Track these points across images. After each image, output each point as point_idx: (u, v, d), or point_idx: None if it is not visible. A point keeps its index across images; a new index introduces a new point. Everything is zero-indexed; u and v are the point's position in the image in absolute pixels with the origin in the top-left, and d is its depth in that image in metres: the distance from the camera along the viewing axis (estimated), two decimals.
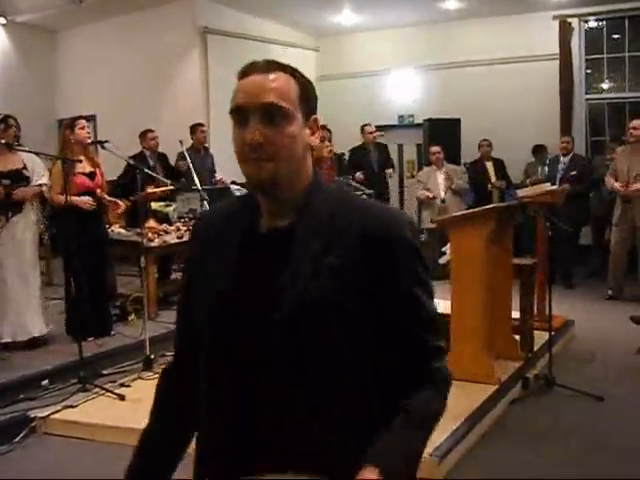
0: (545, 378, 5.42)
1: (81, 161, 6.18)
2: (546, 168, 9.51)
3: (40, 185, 6.10)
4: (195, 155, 8.31)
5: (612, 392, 5.35)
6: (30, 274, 6.12)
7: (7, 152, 5.99)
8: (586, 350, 6.58)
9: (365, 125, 10.44)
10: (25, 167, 6.03)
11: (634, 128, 8.11)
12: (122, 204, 6.59)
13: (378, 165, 10.14)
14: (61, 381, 5.42)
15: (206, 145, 9.15)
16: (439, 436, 4.35)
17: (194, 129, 9.06)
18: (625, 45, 10.57)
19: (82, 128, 6.24)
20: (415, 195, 10.43)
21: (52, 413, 4.93)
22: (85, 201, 6.19)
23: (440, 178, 9.79)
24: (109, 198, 6.51)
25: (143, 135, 8.59)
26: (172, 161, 8.87)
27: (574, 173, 8.85)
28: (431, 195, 9.72)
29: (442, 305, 5.67)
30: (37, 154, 6.22)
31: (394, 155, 11.94)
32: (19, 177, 6.00)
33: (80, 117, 6.45)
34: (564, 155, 9.44)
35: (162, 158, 8.68)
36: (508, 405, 5.17)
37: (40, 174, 6.12)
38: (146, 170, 6.19)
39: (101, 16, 11.29)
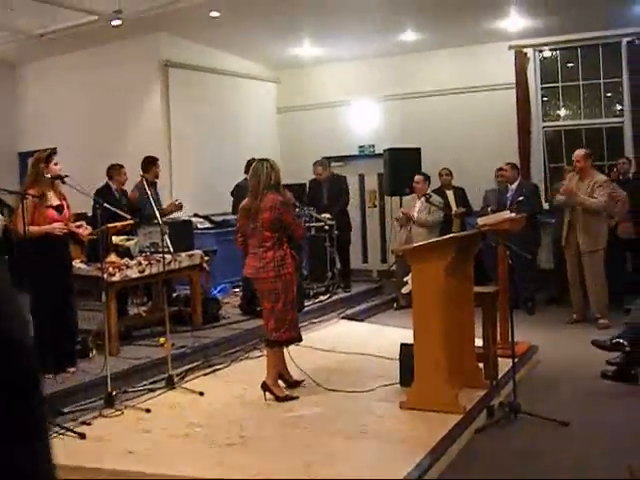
0: (510, 405, 5.42)
1: (44, 196, 6.13)
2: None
3: None
4: (151, 189, 8.26)
5: (577, 417, 5.37)
6: None
7: None
8: (550, 375, 6.62)
9: (314, 163, 10.51)
10: None
11: (577, 160, 8.53)
12: (88, 228, 6.53)
13: (328, 198, 10.17)
14: None
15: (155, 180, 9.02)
16: (405, 467, 4.35)
17: (154, 163, 8.92)
18: (579, 73, 10.77)
19: (56, 164, 6.23)
20: (395, 217, 10.42)
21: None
22: (55, 227, 6.16)
23: (416, 207, 9.81)
24: (76, 224, 6.46)
25: (115, 169, 8.44)
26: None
27: (521, 198, 9.00)
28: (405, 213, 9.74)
29: (406, 335, 5.70)
30: (7, 192, 6.15)
31: (355, 185, 12.02)
32: None
33: (51, 151, 6.41)
34: (510, 183, 9.64)
35: (125, 194, 8.59)
36: (474, 434, 5.15)
37: None
38: (106, 205, 6.12)
39: (62, 50, 11.26)
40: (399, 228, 10.10)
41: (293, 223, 5.89)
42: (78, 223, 6.51)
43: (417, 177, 10.03)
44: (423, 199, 9.85)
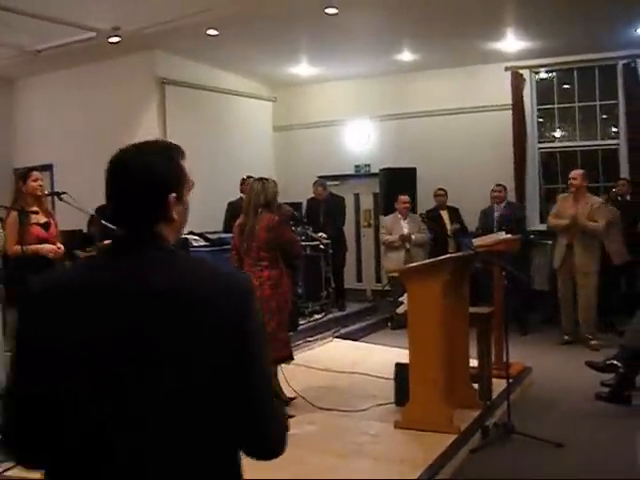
0: (504, 426, 5.43)
1: (37, 212, 6.13)
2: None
3: None
4: None
5: (571, 438, 5.38)
6: None
7: None
8: (544, 396, 6.63)
9: (314, 183, 10.57)
10: None
11: (573, 178, 8.54)
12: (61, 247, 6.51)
13: (325, 217, 10.22)
14: None
15: None
16: None
17: None
18: (575, 95, 10.84)
19: (35, 180, 6.20)
20: (382, 241, 10.49)
21: (5, 470, 4.79)
22: (49, 249, 6.17)
23: (405, 227, 9.92)
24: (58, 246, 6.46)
25: None
26: None
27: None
28: (401, 237, 9.79)
29: (401, 355, 5.70)
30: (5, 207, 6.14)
31: (350, 205, 12.04)
32: None
33: (34, 168, 6.42)
34: (497, 203, 9.73)
35: None
36: (468, 454, 5.15)
37: None
38: (103, 222, 6.12)
39: (59, 66, 11.29)
40: (386, 250, 10.17)
41: (292, 240, 5.89)
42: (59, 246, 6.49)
43: (403, 197, 10.12)
44: (412, 218, 9.95)
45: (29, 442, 1.67)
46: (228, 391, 1.63)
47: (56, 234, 6.41)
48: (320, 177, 10.76)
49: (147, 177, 1.75)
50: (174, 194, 1.77)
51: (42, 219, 6.25)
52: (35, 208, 6.15)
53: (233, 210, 9.19)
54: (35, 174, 6.26)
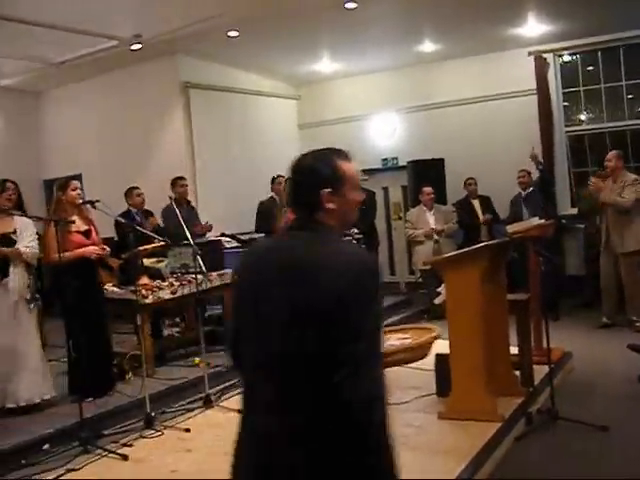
0: (548, 412, 5.42)
1: (74, 221, 6.21)
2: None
3: (16, 248, 6.00)
4: (179, 209, 8.32)
5: (616, 421, 5.35)
6: (26, 341, 6.04)
7: (6, 217, 6.04)
8: (586, 381, 6.60)
9: None
10: (15, 232, 6.00)
11: (608, 160, 8.62)
12: (107, 249, 6.60)
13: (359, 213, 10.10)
14: (62, 444, 5.36)
15: (188, 199, 9.10)
16: (448, 478, 4.34)
17: (175, 183, 9.03)
18: (600, 77, 10.73)
19: (74, 189, 6.31)
20: (406, 235, 10.48)
21: (55, 478, 4.87)
22: (91, 250, 6.28)
23: (431, 219, 9.91)
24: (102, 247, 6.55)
25: (129, 192, 8.56)
26: (157, 217, 8.85)
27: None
28: (425, 232, 9.77)
29: (440, 345, 5.68)
30: (31, 217, 6.21)
31: (380, 198, 12.04)
32: (7, 241, 5.96)
33: (72, 178, 6.50)
34: (524, 189, 9.82)
35: (147, 215, 8.65)
36: (513, 442, 5.14)
37: (24, 237, 6.05)
38: (137, 227, 6.19)
39: (83, 76, 11.40)
40: (413, 244, 10.16)
41: None
42: (101, 246, 6.58)
43: (427, 189, 10.11)
44: (437, 209, 9.94)
45: (236, 355, 2.36)
46: (333, 344, 2.02)
47: (97, 241, 6.50)
48: None
49: (306, 177, 2.30)
50: (328, 189, 2.24)
51: (83, 227, 6.35)
52: (73, 217, 6.24)
53: (264, 209, 9.21)
54: (74, 183, 6.36)
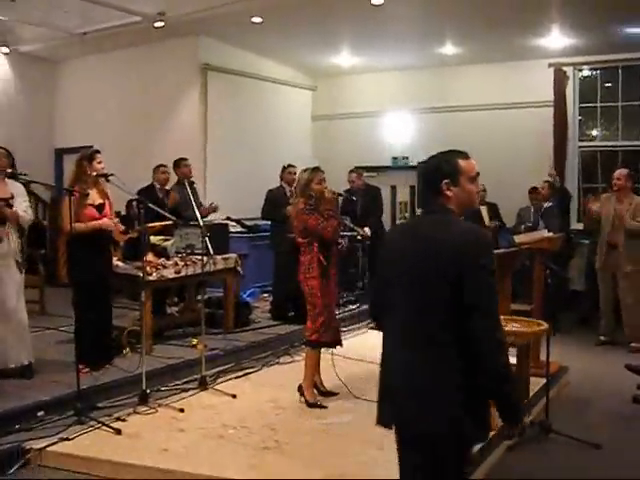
0: (541, 425, 5.42)
1: (87, 194, 6.22)
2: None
3: (15, 211, 6.01)
4: (181, 189, 8.33)
5: (609, 440, 5.35)
6: (17, 301, 6.04)
7: (1, 182, 6.01)
8: (581, 396, 6.61)
9: (350, 170, 10.51)
10: (12, 197, 6.00)
11: (617, 178, 8.45)
12: (120, 226, 6.61)
13: (362, 209, 10.07)
14: (57, 412, 5.37)
15: (192, 179, 9.11)
16: None
17: (178, 164, 9.03)
18: (618, 94, 10.73)
19: (100, 162, 6.30)
20: None
21: (48, 445, 4.88)
22: (107, 223, 6.31)
23: None
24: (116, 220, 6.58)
25: (156, 169, 8.62)
26: None
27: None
28: None
29: None
30: (45, 185, 6.23)
31: (387, 197, 12.01)
32: (6, 207, 5.96)
33: (93, 150, 6.49)
34: (543, 201, 9.82)
35: (169, 194, 8.67)
36: (504, 452, 5.15)
37: (19, 202, 6.06)
38: (150, 204, 6.18)
39: (102, 49, 11.43)
40: None
41: (315, 227, 5.89)
42: (115, 219, 6.60)
43: None
44: None
45: (378, 308, 3.16)
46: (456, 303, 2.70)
47: (110, 215, 6.50)
48: (357, 168, 10.71)
49: (432, 171, 3.01)
50: (447, 180, 2.92)
51: (97, 200, 6.35)
52: (92, 189, 6.28)
53: (272, 197, 9.19)
54: (100, 156, 6.34)
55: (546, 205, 9.74)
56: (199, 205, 8.76)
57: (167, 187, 8.75)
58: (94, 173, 6.24)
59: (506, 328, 5.23)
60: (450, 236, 2.79)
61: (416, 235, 2.95)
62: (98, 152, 6.41)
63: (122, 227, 6.66)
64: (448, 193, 2.92)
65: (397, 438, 2.98)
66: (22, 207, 6.07)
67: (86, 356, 5.83)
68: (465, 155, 3.00)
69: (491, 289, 2.75)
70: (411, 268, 2.86)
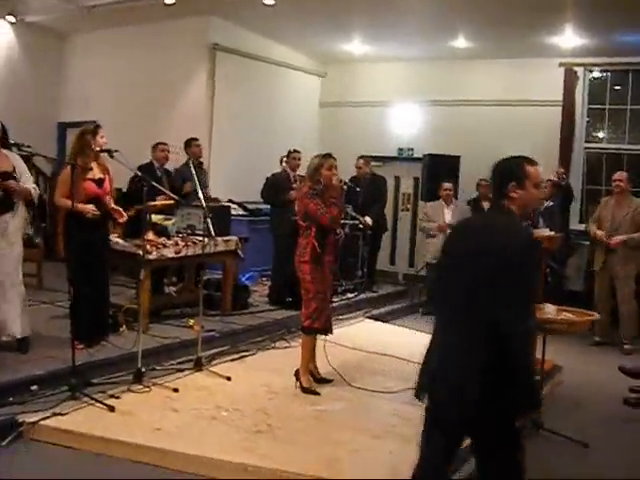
0: (533, 422, 5.43)
1: (91, 168, 6.19)
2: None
3: (28, 188, 5.99)
4: (190, 169, 8.29)
5: (598, 440, 5.37)
6: (17, 274, 6.03)
7: None
8: (573, 396, 6.62)
9: (358, 157, 10.48)
10: (14, 170, 5.96)
11: (619, 180, 8.46)
12: (125, 214, 6.57)
13: (365, 198, 10.02)
14: (51, 387, 5.37)
15: (201, 160, 9.08)
16: None
17: (189, 143, 9.00)
18: (627, 97, 10.70)
19: (102, 136, 6.27)
20: (419, 227, 10.46)
21: (41, 419, 4.88)
22: (89, 209, 6.18)
23: (448, 215, 9.87)
24: (115, 207, 6.50)
25: (155, 146, 8.56)
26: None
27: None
28: (439, 226, 9.74)
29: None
30: (47, 158, 6.19)
31: (390, 187, 12.02)
32: (10, 179, 5.89)
33: (80, 124, 6.45)
34: (545, 200, 9.66)
35: (167, 173, 8.63)
36: None
37: (27, 178, 6.05)
38: (153, 183, 6.16)
39: (111, 24, 11.34)
40: (427, 236, 10.13)
41: (313, 212, 5.89)
42: (117, 208, 6.53)
43: (447, 184, 10.08)
44: (456, 205, 9.93)
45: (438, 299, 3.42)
46: (499, 291, 2.97)
47: (110, 190, 6.47)
48: (363, 156, 10.70)
49: (500, 173, 3.28)
50: (513, 183, 3.16)
51: (98, 175, 6.31)
52: (93, 163, 6.24)
53: (274, 181, 9.17)
54: (102, 130, 6.31)
55: (547, 204, 9.72)
56: (205, 186, 8.79)
57: (176, 166, 8.72)
58: (98, 148, 6.19)
59: (558, 317, 5.56)
60: (506, 235, 3.07)
61: (476, 230, 3.28)
62: (100, 127, 6.39)
63: (120, 219, 6.59)
64: (513, 195, 3.16)
65: (426, 414, 3.25)
66: (30, 183, 6.06)
67: (81, 332, 5.80)
68: (533, 162, 3.25)
69: (532, 287, 3.13)
70: (466, 261, 3.12)
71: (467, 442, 3.33)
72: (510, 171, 3.21)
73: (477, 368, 2.99)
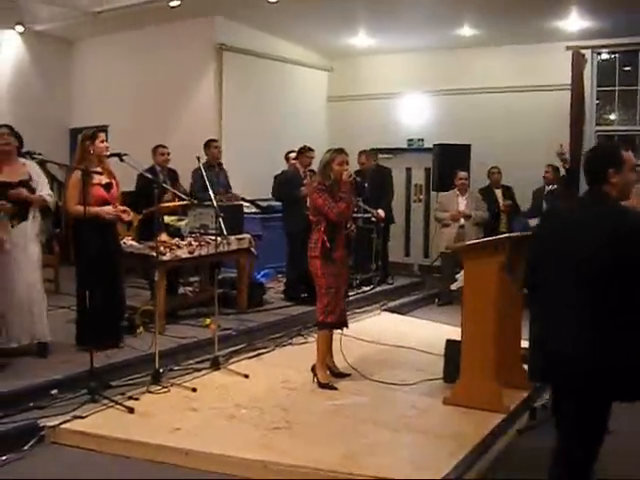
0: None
1: (101, 173, 6.22)
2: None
3: (41, 196, 6.03)
4: (209, 171, 8.28)
5: (617, 424, 5.32)
6: (36, 281, 6.08)
7: (15, 163, 6.00)
8: None
9: (360, 152, 10.45)
10: (31, 178, 5.99)
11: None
12: (130, 212, 6.60)
13: (371, 191, 9.83)
14: (70, 391, 5.41)
15: (220, 161, 9.10)
16: (447, 463, 4.38)
17: (208, 145, 9.00)
18: (637, 78, 10.62)
19: (102, 141, 6.30)
20: (435, 216, 10.43)
21: (61, 423, 4.93)
22: (107, 211, 6.25)
23: (462, 204, 9.85)
24: (121, 207, 6.53)
25: (154, 150, 8.57)
26: (185, 177, 8.82)
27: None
28: (452, 215, 9.72)
29: (448, 331, 5.69)
30: (59, 165, 6.22)
31: (402, 179, 12.02)
32: (26, 188, 5.93)
33: (99, 129, 6.48)
34: (547, 185, 9.79)
35: (172, 174, 8.63)
36: (515, 434, 5.16)
37: (44, 185, 6.10)
38: (164, 184, 6.19)
39: (118, 29, 11.38)
40: (441, 226, 10.10)
41: (321, 206, 5.90)
42: (122, 208, 6.54)
43: (462, 173, 10.06)
44: (470, 195, 9.90)
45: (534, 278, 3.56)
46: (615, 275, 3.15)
47: (117, 195, 6.50)
48: (372, 150, 10.67)
49: (598, 160, 3.42)
50: (612, 169, 3.30)
51: (104, 180, 6.33)
52: (99, 169, 6.24)
53: (286, 178, 9.17)
54: (102, 135, 6.34)
55: (549, 188, 9.72)
56: (228, 189, 8.84)
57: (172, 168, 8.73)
58: (98, 153, 6.23)
59: None
60: (613, 220, 3.22)
61: (578, 220, 3.35)
62: (101, 131, 6.42)
63: (127, 218, 6.64)
64: (613, 180, 3.30)
65: (552, 390, 3.60)
66: (46, 191, 6.10)
67: (89, 337, 5.80)
68: (626, 147, 3.43)
69: None
70: (573, 245, 3.27)
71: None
72: (608, 158, 3.36)
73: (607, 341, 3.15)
